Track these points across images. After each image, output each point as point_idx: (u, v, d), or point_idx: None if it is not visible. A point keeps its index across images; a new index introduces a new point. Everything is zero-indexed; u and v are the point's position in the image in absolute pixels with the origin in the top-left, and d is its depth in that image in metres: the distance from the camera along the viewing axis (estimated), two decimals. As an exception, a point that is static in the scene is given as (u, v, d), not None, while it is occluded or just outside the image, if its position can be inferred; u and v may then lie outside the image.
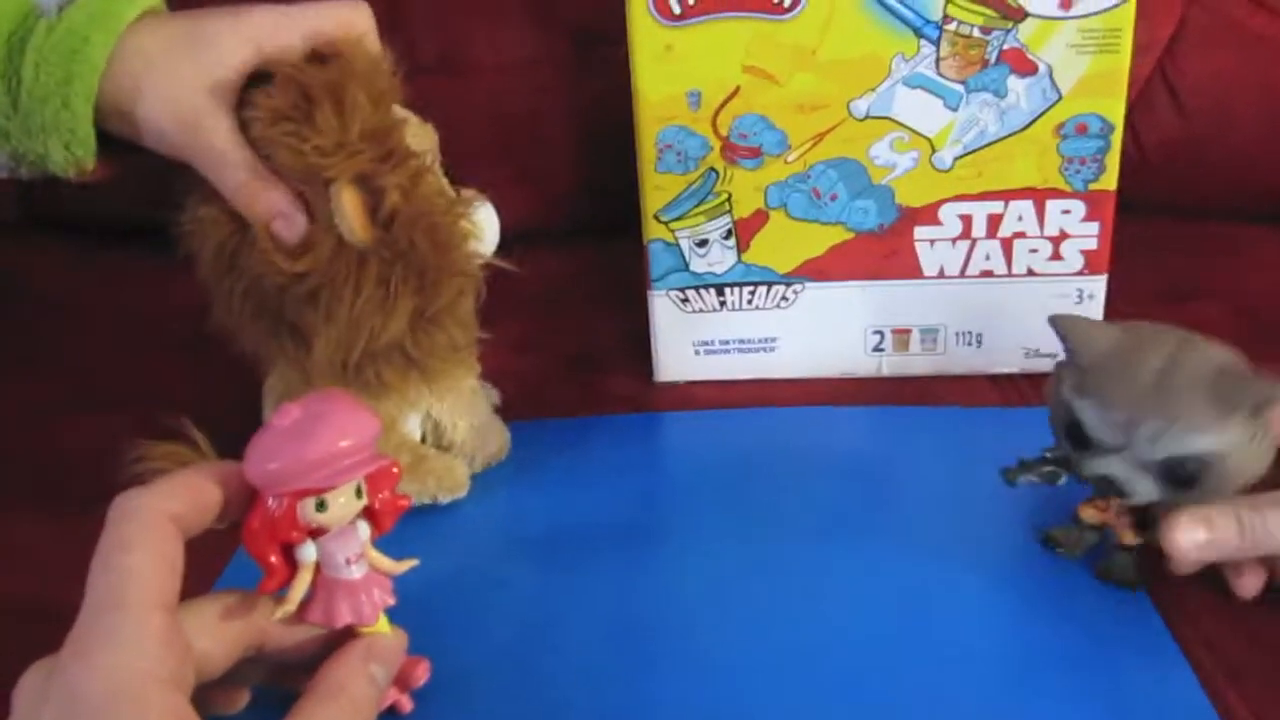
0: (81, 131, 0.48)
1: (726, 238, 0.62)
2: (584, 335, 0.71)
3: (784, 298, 0.64)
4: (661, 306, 0.64)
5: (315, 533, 0.39)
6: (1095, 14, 0.56)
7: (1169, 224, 0.82)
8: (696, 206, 0.62)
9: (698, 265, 0.63)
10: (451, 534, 0.55)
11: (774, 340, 0.65)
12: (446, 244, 0.49)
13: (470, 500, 0.56)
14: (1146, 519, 0.48)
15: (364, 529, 0.40)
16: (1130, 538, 0.48)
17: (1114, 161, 0.60)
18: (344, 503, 0.38)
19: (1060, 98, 0.58)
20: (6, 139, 0.49)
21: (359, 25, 0.49)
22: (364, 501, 0.39)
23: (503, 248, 0.71)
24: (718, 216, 0.62)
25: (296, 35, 0.48)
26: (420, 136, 0.51)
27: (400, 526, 0.41)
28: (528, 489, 0.58)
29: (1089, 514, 0.49)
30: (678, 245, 0.63)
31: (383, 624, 0.41)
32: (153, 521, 0.36)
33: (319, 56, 0.48)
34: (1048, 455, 0.49)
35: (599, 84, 0.73)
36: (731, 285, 0.64)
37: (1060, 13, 0.56)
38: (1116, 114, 0.59)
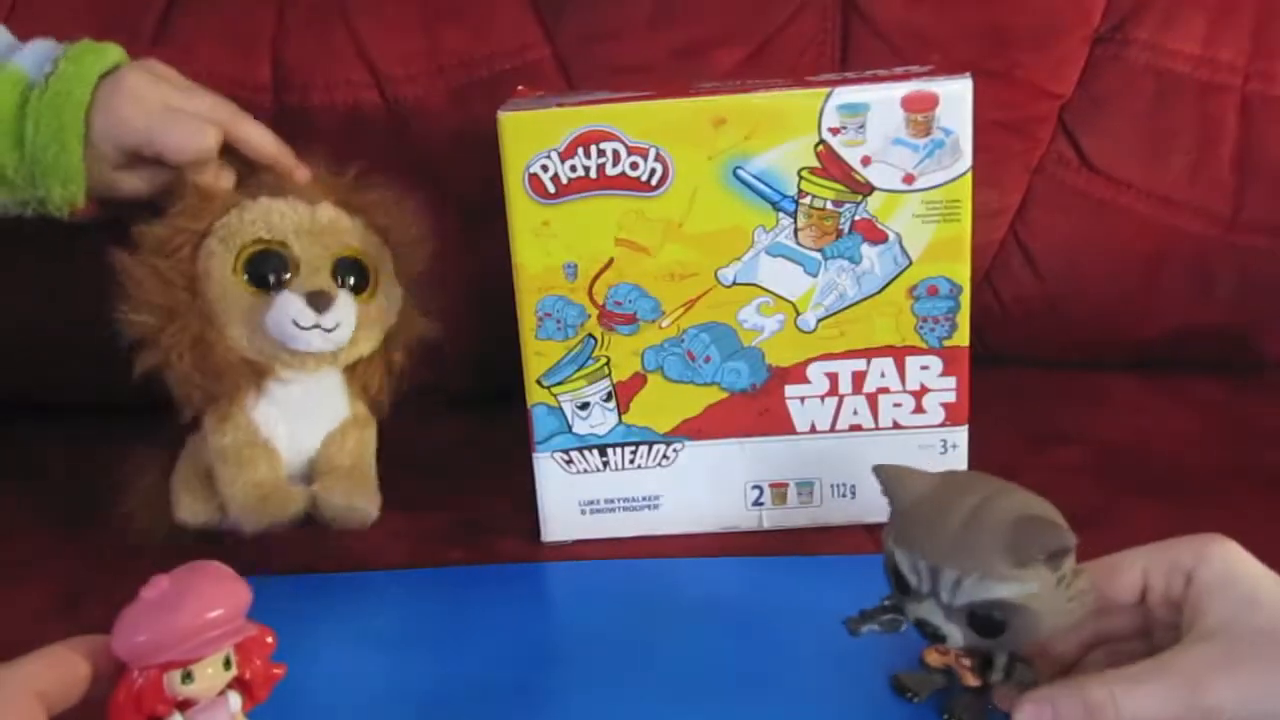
0: (74, 167, 0.62)
1: (607, 400, 0.65)
2: (472, 498, 0.72)
3: (665, 456, 0.66)
4: (546, 468, 0.66)
5: (183, 705, 0.39)
6: (936, 187, 0.61)
7: (1032, 374, 0.86)
8: (577, 371, 0.64)
9: (580, 428, 0.66)
10: (333, 686, 0.55)
11: (657, 498, 0.67)
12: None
13: (353, 650, 0.58)
14: (985, 661, 0.49)
15: (235, 700, 0.40)
16: (971, 679, 0.49)
17: (964, 320, 0.64)
18: (211, 674, 0.39)
19: (910, 263, 0.63)
20: (14, 189, 0.63)
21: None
22: (233, 672, 0.40)
23: (396, 411, 0.73)
24: (597, 380, 0.65)
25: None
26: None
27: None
28: (413, 639, 0.59)
29: (932, 658, 0.51)
30: (560, 409, 0.65)
31: None
32: (17, 700, 0.36)
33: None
34: (886, 604, 0.50)
35: (485, 257, 0.77)
36: (613, 446, 0.66)
37: (904, 187, 0.61)
38: (963, 276, 0.63)
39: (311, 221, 0.65)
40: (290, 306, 0.62)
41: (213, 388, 0.63)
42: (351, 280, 0.65)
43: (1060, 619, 0.45)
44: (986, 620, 0.45)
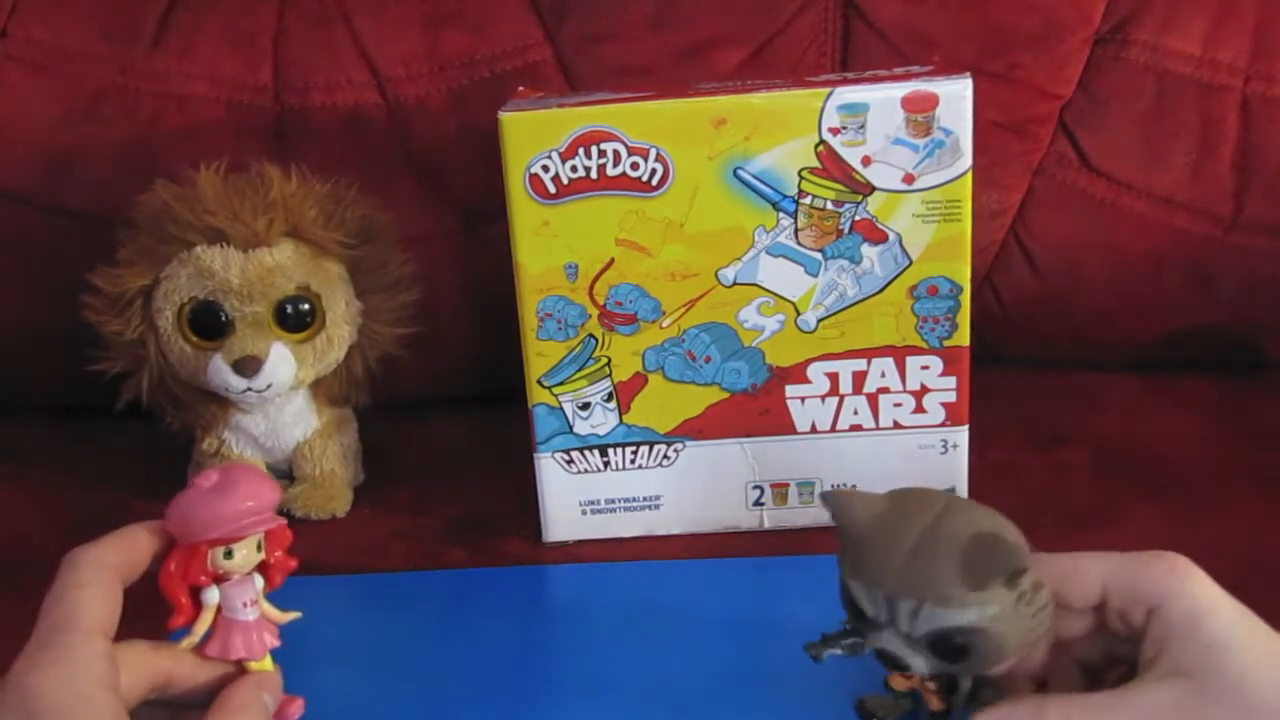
0: None
1: (608, 400, 0.65)
2: (473, 498, 0.72)
3: (665, 457, 0.66)
4: (547, 468, 0.66)
5: (219, 579, 0.45)
6: (936, 187, 0.61)
7: (1033, 374, 0.87)
8: (578, 372, 0.65)
9: (581, 428, 0.66)
10: (333, 689, 0.55)
11: (658, 498, 0.67)
12: None
13: (354, 652, 0.58)
14: (950, 684, 0.47)
15: (258, 580, 0.46)
16: (936, 704, 0.48)
17: (965, 320, 0.64)
18: (246, 554, 0.45)
19: (911, 263, 0.63)
20: None
21: None
22: (262, 555, 0.46)
23: (399, 412, 0.74)
24: (598, 380, 0.65)
25: None
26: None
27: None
28: (414, 642, 0.59)
29: (897, 682, 0.50)
30: (561, 409, 0.65)
31: (268, 663, 0.46)
32: (100, 567, 0.42)
33: None
34: (848, 627, 0.47)
35: (486, 258, 0.77)
36: (614, 446, 0.66)
37: (904, 186, 0.61)
38: (963, 276, 0.63)
39: (248, 270, 0.66)
40: (219, 374, 0.66)
41: (184, 418, 0.71)
42: (293, 321, 0.67)
43: (1025, 637, 0.43)
44: (949, 646, 0.43)
